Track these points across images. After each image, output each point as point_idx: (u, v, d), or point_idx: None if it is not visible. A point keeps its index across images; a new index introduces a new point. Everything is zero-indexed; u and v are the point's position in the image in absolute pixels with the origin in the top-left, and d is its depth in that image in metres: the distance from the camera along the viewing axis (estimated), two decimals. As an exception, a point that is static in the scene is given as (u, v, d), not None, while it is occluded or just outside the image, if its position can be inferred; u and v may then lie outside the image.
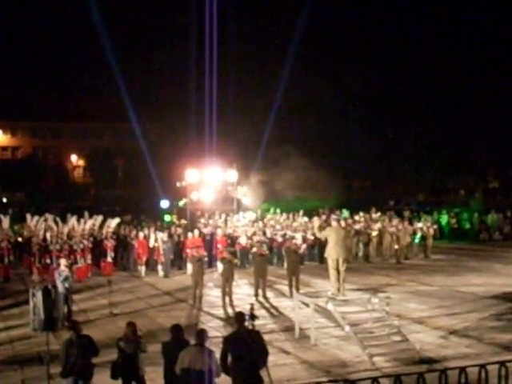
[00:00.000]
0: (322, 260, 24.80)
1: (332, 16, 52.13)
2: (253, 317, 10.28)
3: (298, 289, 19.24)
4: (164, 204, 39.05)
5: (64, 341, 10.12)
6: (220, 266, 20.76)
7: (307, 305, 14.78)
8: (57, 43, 61.79)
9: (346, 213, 33.78)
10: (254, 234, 27.16)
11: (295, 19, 39.65)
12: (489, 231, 36.45)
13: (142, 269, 25.68)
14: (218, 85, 31.06)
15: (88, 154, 68.31)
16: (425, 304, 18.31)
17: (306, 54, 46.19)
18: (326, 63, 51.92)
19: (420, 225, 30.89)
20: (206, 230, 28.15)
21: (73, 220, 28.43)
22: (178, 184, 34.96)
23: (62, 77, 62.48)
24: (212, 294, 20.92)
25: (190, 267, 22.21)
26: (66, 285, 16.43)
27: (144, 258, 25.86)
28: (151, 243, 26.13)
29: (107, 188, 61.27)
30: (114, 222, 28.69)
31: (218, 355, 9.23)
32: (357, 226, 29.27)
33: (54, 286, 14.67)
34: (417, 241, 30.23)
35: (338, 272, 14.56)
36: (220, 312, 18.02)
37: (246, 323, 9.83)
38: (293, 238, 24.68)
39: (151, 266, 26.27)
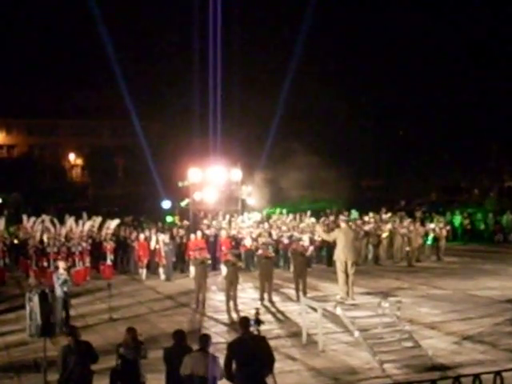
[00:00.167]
0: (330, 262, 24.76)
1: (338, 15, 52.15)
2: (258, 322, 10.27)
3: (305, 292, 19.23)
4: (166, 204, 39.06)
5: (62, 347, 10.12)
6: (224, 269, 20.77)
7: (315, 309, 14.76)
8: (55, 38, 61.84)
9: (354, 213, 33.75)
10: (260, 235, 27.15)
11: (302, 16, 39.63)
12: (504, 232, 36.35)
13: (143, 272, 25.70)
14: (222, 81, 31.09)
15: (86, 153, 68.41)
16: (437, 308, 18.28)
17: (313, 50, 46.19)
18: (333, 61, 51.94)
19: (432, 226, 30.85)
20: (209, 232, 28.14)
21: (71, 221, 28.47)
22: (180, 184, 34.91)
23: (59, 73, 62.52)
24: (216, 298, 20.94)
25: (192, 270, 22.17)
26: (65, 288, 16.45)
27: (145, 261, 25.87)
28: (152, 245, 26.14)
29: (106, 188, 61.33)
30: (113, 223, 28.72)
31: (221, 361, 9.24)
32: (366, 227, 29.24)
33: (52, 290, 14.74)
34: (429, 242, 30.19)
35: (347, 275, 14.55)
36: (224, 317, 18.03)
37: (251, 328, 9.82)
38: (300, 239, 24.72)
39: (152, 268, 26.27)
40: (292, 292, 20.60)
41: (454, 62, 49.32)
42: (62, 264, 17.24)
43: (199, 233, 26.04)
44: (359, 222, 30.28)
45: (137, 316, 18.23)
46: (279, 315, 18.17)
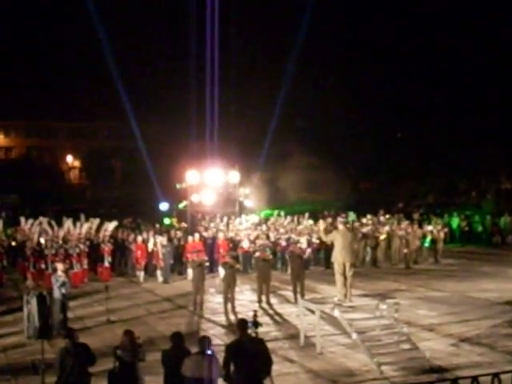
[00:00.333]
0: (328, 265, 24.79)
1: (337, 14, 52.14)
2: (256, 324, 10.27)
3: (302, 295, 19.22)
4: (163, 206, 39.09)
5: (59, 349, 10.12)
6: (222, 271, 20.73)
7: (312, 311, 14.74)
8: (52, 40, 61.75)
9: (352, 215, 33.75)
10: (257, 237, 27.13)
11: (299, 18, 39.72)
12: (502, 234, 36.34)
13: (141, 274, 25.68)
14: (220, 82, 31.15)
15: (84, 155, 68.39)
16: (435, 310, 18.28)
17: (311, 50, 46.23)
18: (330, 62, 51.96)
19: (430, 228, 30.83)
20: (207, 234, 28.16)
21: (68, 223, 28.45)
22: (177, 186, 34.98)
23: (57, 74, 62.48)
24: (213, 300, 20.93)
25: (190, 272, 22.20)
26: (63, 291, 16.43)
27: (142, 263, 25.86)
28: (150, 247, 26.13)
29: (104, 190, 61.33)
30: (111, 226, 28.73)
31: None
32: (364, 230, 29.22)
33: (50, 293, 14.77)
34: (427, 245, 30.17)
35: (345, 277, 14.56)
36: (222, 319, 18.03)
37: (249, 331, 9.82)
38: (297, 241, 24.73)
39: (150, 271, 26.26)
40: (290, 294, 20.58)
41: (452, 63, 49.33)
42: (60, 266, 17.23)
43: (197, 235, 26.04)
44: (357, 224, 30.26)
45: (134, 318, 18.22)
46: (277, 317, 18.16)
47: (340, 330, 14.86)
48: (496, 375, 8.35)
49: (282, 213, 35.01)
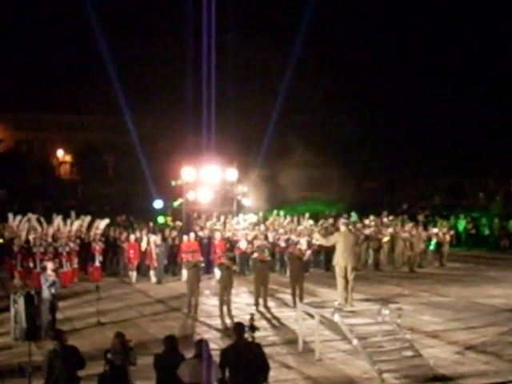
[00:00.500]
0: (329, 267, 24.83)
1: (339, 9, 52.22)
2: (253, 328, 10.28)
3: (301, 298, 19.27)
4: (157, 204, 38.96)
5: (47, 352, 10.12)
6: (218, 273, 20.77)
7: (312, 316, 14.78)
8: (43, 30, 61.61)
9: (354, 216, 33.77)
10: (255, 238, 27.19)
11: (300, 11, 39.64)
12: (510, 238, 36.40)
13: (133, 274, 25.68)
14: (218, 75, 31.08)
15: (75, 149, 68.20)
16: (439, 316, 18.31)
17: (312, 45, 46.14)
18: (334, 57, 51.98)
19: (435, 230, 30.90)
20: (202, 233, 28.17)
21: (58, 220, 28.44)
22: (173, 183, 34.83)
23: (48, 65, 62.37)
24: (209, 302, 20.97)
25: (185, 273, 22.20)
26: (53, 290, 16.45)
27: (135, 263, 25.87)
28: (143, 247, 26.13)
29: (96, 186, 61.24)
30: (102, 223, 28.71)
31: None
32: (367, 231, 29.29)
33: (38, 292, 14.71)
34: (432, 248, 30.24)
35: (346, 281, 14.59)
36: (217, 322, 18.05)
37: (246, 335, 9.83)
38: (297, 242, 24.75)
39: (143, 271, 26.29)
40: (288, 297, 20.61)
41: (459, 60, 49.40)
42: (50, 265, 17.22)
43: (192, 234, 26.05)
44: (359, 225, 30.30)
45: (126, 320, 18.23)
46: (275, 321, 18.18)
47: (340, 336, 14.89)
48: (502, 384, 8.37)
49: (282, 212, 35.02)
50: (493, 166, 52.59)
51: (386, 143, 52.68)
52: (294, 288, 20.07)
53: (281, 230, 29.43)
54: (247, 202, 35.00)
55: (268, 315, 18.98)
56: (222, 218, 32.17)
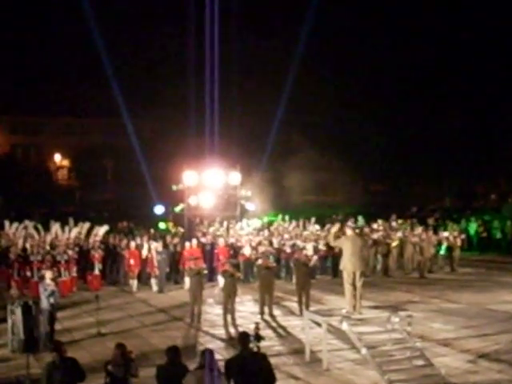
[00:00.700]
0: (336, 273, 24.84)
1: (342, 10, 52.30)
2: (258, 338, 10.30)
3: (308, 306, 19.26)
4: (158, 210, 38.98)
5: (46, 364, 10.15)
6: (221, 280, 20.79)
7: (319, 324, 14.75)
8: (41, 33, 61.76)
9: (361, 221, 33.71)
10: (260, 243, 27.19)
11: (302, 13, 39.72)
12: (523, 241, 36.34)
13: (134, 283, 25.68)
14: (220, 76, 31.11)
15: (73, 153, 68.28)
16: (451, 324, 18.30)
17: (318, 43, 46.25)
18: (338, 57, 52.03)
19: (446, 234, 30.87)
20: (205, 240, 28.19)
21: (56, 227, 28.47)
22: (174, 187, 34.85)
23: (45, 67, 62.48)
24: (212, 311, 20.95)
25: (187, 281, 22.22)
26: (52, 300, 16.45)
27: (136, 271, 25.87)
28: (144, 254, 26.14)
29: (95, 191, 61.28)
30: (102, 230, 28.74)
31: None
32: (375, 236, 29.25)
33: (35, 302, 14.76)
34: (442, 252, 30.21)
35: (355, 287, 14.56)
36: (221, 332, 18.04)
37: (251, 345, 9.84)
38: (303, 248, 24.72)
39: (144, 279, 26.30)
40: (294, 305, 20.61)
41: (469, 59, 49.40)
42: (48, 274, 17.25)
43: (194, 241, 26.09)
44: (367, 229, 30.27)
45: (127, 331, 18.24)
46: (280, 330, 18.18)
47: (348, 345, 14.88)
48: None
49: (287, 217, 35.01)
50: (504, 166, 52.52)
51: (395, 144, 52.69)
52: (300, 295, 20.05)
53: (286, 236, 29.42)
54: (251, 206, 34.97)
55: (274, 324, 18.98)
56: (225, 223, 32.19)
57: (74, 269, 25.40)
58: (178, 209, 35.07)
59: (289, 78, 41.17)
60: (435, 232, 31.21)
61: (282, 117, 42.95)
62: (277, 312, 20.31)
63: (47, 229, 28.79)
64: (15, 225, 29.51)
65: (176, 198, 35.92)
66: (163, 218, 38.46)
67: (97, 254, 25.79)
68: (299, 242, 27.44)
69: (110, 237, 28.88)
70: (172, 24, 56.14)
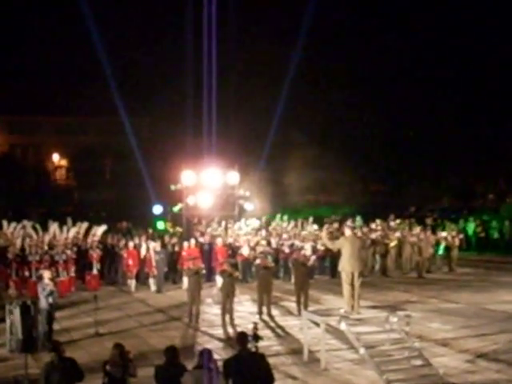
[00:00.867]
0: (334, 273, 24.84)
1: (341, 9, 52.31)
2: (256, 338, 10.30)
3: (306, 306, 19.27)
4: (157, 209, 38.96)
5: (44, 364, 10.15)
6: (219, 280, 20.79)
7: (317, 324, 14.78)
8: (38, 32, 61.72)
9: (359, 220, 33.70)
10: (258, 243, 27.19)
11: (301, 11, 39.72)
12: (521, 241, 36.37)
13: (132, 283, 25.70)
14: (218, 74, 31.10)
15: (72, 153, 68.22)
16: (449, 324, 18.30)
17: (314, 45, 46.20)
18: (337, 56, 51.99)
19: (444, 234, 30.86)
20: (203, 239, 28.19)
21: (54, 227, 28.40)
22: (172, 187, 34.84)
23: (43, 66, 62.44)
24: (210, 311, 20.96)
25: (185, 281, 22.20)
26: (51, 300, 16.45)
27: (134, 271, 25.89)
28: (142, 254, 26.14)
29: (93, 191, 61.17)
30: (100, 230, 28.71)
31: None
32: (373, 236, 29.25)
33: (34, 302, 14.75)
34: (440, 252, 30.21)
35: (353, 287, 14.57)
36: (219, 332, 18.04)
37: (249, 345, 9.84)
38: (301, 248, 24.73)
39: (142, 279, 26.30)
40: (293, 305, 20.62)
41: (469, 58, 49.40)
42: (47, 273, 17.25)
43: (193, 240, 26.09)
44: (365, 229, 30.26)
45: (125, 331, 18.24)
46: (279, 330, 18.18)
47: (347, 345, 14.89)
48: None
49: (285, 217, 35.01)
50: (503, 165, 52.51)
51: (394, 144, 52.67)
52: (298, 295, 20.07)
53: (284, 236, 29.43)
54: (249, 206, 34.96)
55: (272, 324, 18.98)
56: (224, 223, 32.18)
57: (73, 269, 25.38)
58: (176, 208, 35.05)
59: (287, 77, 41.20)
60: (433, 232, 31.22)
61: (280, 116, 42.94)
62: (275, 312, 20.30)
63: (45, 228, 28.71)
64: (13, 224, 29.42)
65: (174, 197, 35.91)
66: (161, 217, 38.46)
67: (95, 254, 25.79)
68: (297, 242, 27.46)
69: (109, 237, 28.89)
70: (170, 24, 56.02)
